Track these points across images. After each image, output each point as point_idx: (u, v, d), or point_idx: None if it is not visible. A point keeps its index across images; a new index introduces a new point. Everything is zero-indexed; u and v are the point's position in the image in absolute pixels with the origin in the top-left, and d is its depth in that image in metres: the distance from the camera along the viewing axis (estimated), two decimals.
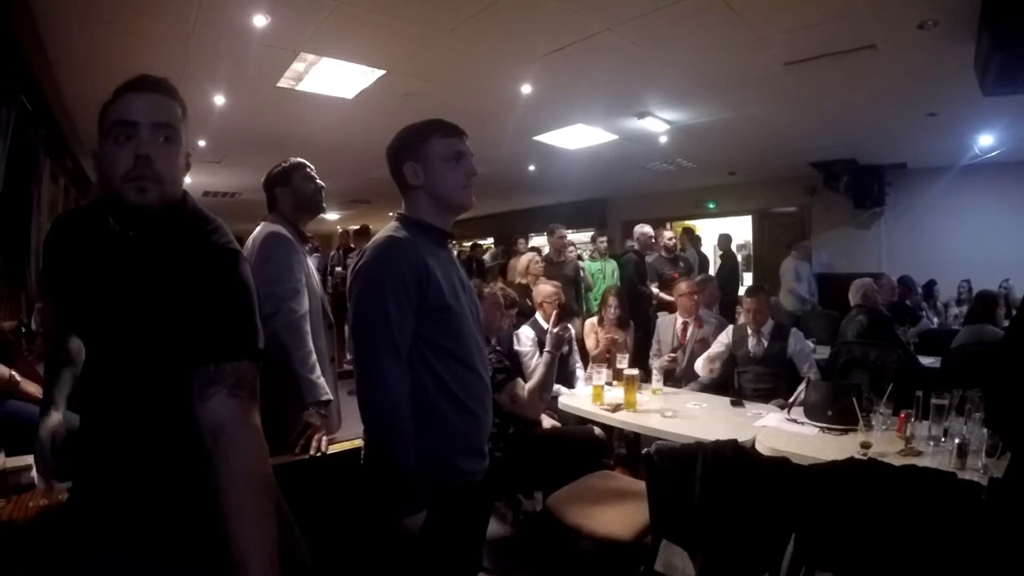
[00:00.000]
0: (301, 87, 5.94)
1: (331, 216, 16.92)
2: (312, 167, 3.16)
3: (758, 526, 2.43)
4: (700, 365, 4.89)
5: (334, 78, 5.75)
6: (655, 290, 7.47)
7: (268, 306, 2.67)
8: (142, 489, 1.46)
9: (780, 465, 2.47)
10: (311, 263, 3.15)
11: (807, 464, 2.43)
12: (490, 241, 16.92)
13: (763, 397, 4.37)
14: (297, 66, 5.45)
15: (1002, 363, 1.67)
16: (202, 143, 8.14)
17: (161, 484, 1.46)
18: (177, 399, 1.41)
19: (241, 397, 1.39)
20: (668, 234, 8.19)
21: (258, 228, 3.04)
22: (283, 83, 5.83)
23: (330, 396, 2.79)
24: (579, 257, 8.41)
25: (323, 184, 3.18)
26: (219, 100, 6.27)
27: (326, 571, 2.00)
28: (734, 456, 2.50)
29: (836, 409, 3.45)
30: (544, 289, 5.05)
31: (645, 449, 2.76)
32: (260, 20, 4.40)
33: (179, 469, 1.46)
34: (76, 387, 1.77)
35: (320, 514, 2.03)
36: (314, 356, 2.79)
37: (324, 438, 2.57)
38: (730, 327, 5.01)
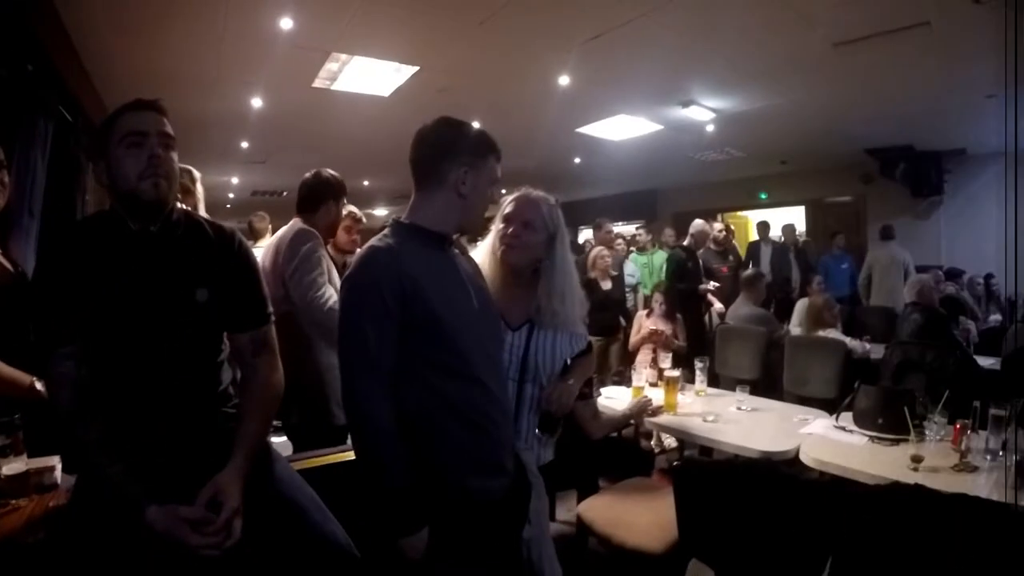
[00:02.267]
0: (336, 87, 5.93)
1: (380, 212, 17.00)
2: None
3: (790, 551, 2.27)
4: None
5: (368, 77, 5.72)
6: (708, 285, 7.26)
7: (297, 296, 2.91)
8: (194, 448, 1.75)
9: (816, 487, 2.32)
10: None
11: (850, 480, 2.28)
12: None
13: None
14: (330, 66, 5.43)
15: None
16: (245, 144, 8.27)
17: (207, 440, 1.77)
18: (212, 364, 1.84)
19: (274, 349, 1.95)
20: (718, 226, 7.97)
21: (288, 226, 3.15)
22: (318, 83, 5.83)
23: None
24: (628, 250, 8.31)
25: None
26: (256, 103, 6.34)
27: (366, 557, 1.96)
28: (767, 475, 2.34)
29: (887, 417, 3.25)
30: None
31: (675, 462, 2.62)
32: (287, 23, 4.41)
33: (217, 423, 1.83)
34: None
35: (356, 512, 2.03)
36: None
37: None
38: None
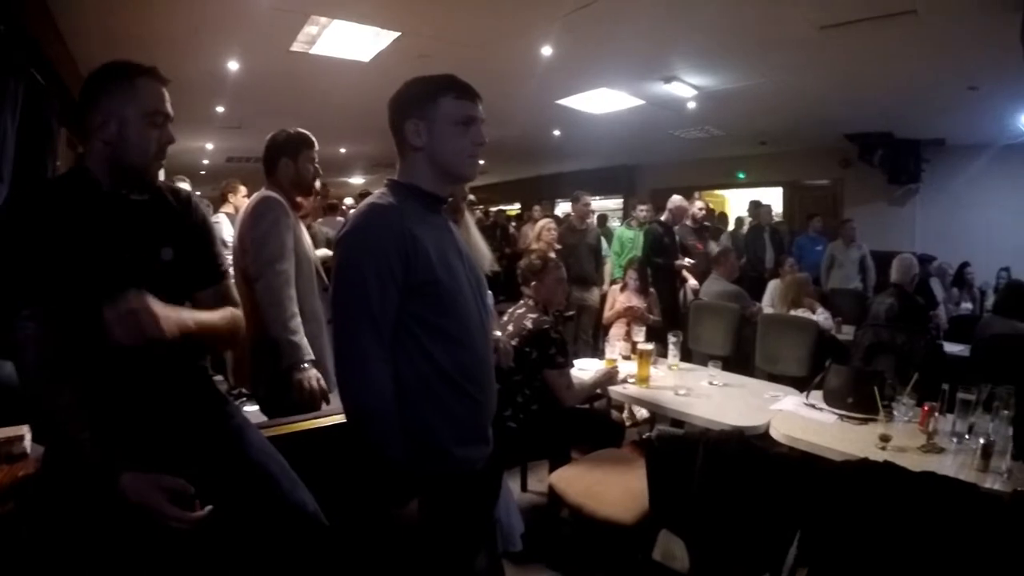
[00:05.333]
0: (315, 51, 5.86)
1: (357, 180, 16.87)
2: (316, 149, 3.17)
3: (758, 523, 2.29)
4: None
5: (348, 41, 5.65)
6: (683, 261, 7.27)
7: (253, 269, 2.83)
8: (164, 412, 1.73)
9: (786, 461, 2.34)
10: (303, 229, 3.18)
11: (819, 457, 2.30)
12: (517, 207, 16.81)
13: None
14: (309, 29, 5.35)
15: None
16: (220, 109, 8.19)
17: (177, 404, 1.77)
18: None
19: (237, 303, 1.96)
20: (699, 204, 7.96)
21: (255, 194, 3.09)
22: (296, 47, 5.75)
23: (312, 356, 2.81)
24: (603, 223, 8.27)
25: (321, 171, 3.22)
26: (233, 66, 6.24)
27: (337, 527, 1.98)
28: (737, 448, 2.35)
29: (857, 396, 3.29)
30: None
31: (646, 434, 2.63)
32: None
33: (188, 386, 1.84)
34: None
35: (325, 481, 2.08)
36: (297, 319, 2.81)
37: (320, 382, 2.79)
38: None
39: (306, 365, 2.77)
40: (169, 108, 1.75)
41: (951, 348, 5.15)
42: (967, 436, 2.87)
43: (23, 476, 1.97)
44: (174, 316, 1.59)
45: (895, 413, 3.13)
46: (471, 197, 4.35)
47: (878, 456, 2.46)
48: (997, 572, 1.75)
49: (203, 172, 13.56)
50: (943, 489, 1.94)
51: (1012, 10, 4.27)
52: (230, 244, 3.46)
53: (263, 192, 3.00)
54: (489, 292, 2.23)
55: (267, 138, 3.11)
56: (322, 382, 2.78)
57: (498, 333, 2.78)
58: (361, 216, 1.76)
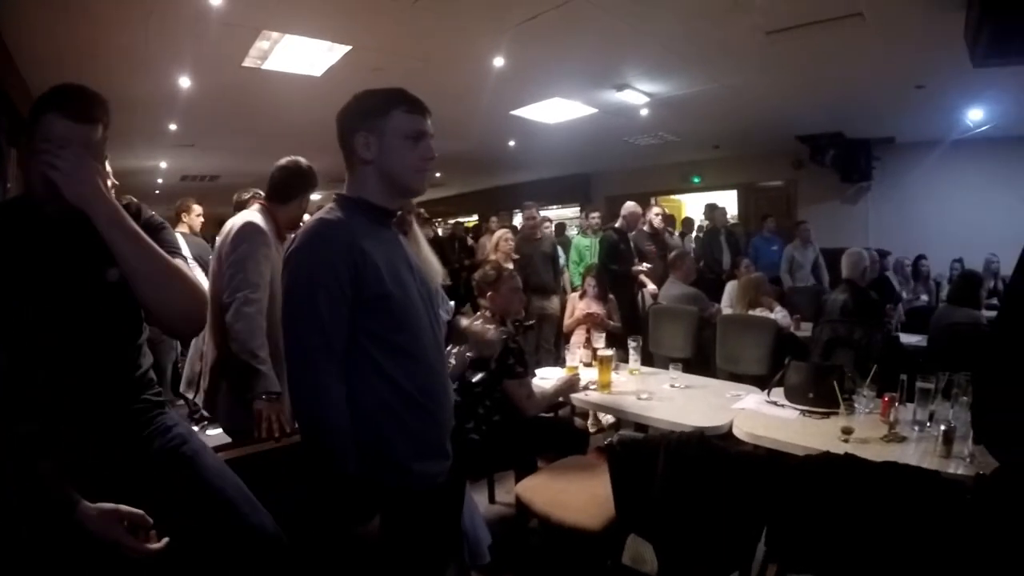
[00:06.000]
0: (267, 66, 5.79)
1: (314, 196, 16.70)
2: None
3: (724, 522, 2.30)
4: None
5: (300, 56, 5.61)
6: (640, 266, 7.29)
7: (226, 295, 2.76)
8: (114, 437, 1.69)
9: (748, 459, 2.34)
10: None
11: (784, 452, 2.31)
12: (474, 218, 16.80)
13: None
14: (261, 44, 5.30)
15: (988, 372, 1.47)
16: (173, 126, 8.04)
17: (127, 428, 1.74)
18: (131, 348, 1.79)
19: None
20: (656, 210, 7.99)
21: (245, 213, 3.01)
22: (248, 62, 5.69)
23: (278, 389, 2.71)
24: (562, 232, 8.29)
25: None
26: (185, 82, 6.14)
27: (296, 547, 1.93)
28: (699, 448, 2.35)
29: (818, 391, 3.32)
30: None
31: (608, 439, 2.63)
32: None
33: (138, 410, 1.79)
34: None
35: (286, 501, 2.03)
36: (266, 349, 2.74)
37: (281, 418, 2.65)
38: None
39: (269, 397, 2.69)
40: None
41: (908, 339, 5.25)
42: (928, 424, 2.91)
43: None
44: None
45: (856, 406, 3.15)
46: (421, 211, 4.35)
47: (841, 449, 2.48)
48: (963, 555, 1.76)
49: (157, 192, 13.34)
50: (905, 478, 1.96)
51: (956, 8, 4.36)
52: (190, 262, 3.40)
53: (250, 216, 2.92)
54: (451, 303, 2.23)
55: (286, 161, 3.04)
56: (283, 416, 2.68)
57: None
58: (309, 233, 1.76)
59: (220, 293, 2.80)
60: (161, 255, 1.65)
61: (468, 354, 3.53)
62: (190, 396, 5.20)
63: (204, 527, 1.76)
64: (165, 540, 1.52)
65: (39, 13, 4.45)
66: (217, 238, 3.13)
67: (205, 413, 5.37)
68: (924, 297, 7.99)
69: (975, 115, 7.88)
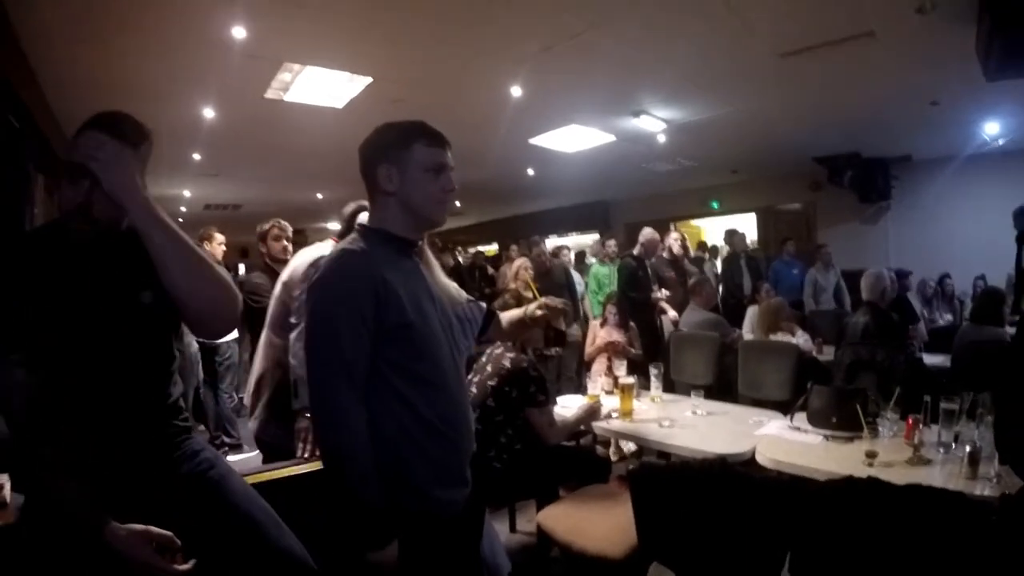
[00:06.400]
0: (289, 97, 5.87)
1: (334, 226, 16.84)
2: None
3: (748, 549, 2.28)
4: None
5: (321, 87, 5.67)
6: (660, 293, 7.28)
7: (296, 316, 3.02)
8: (143, 461, 1.70)
9: (771, 484, 2.32)
10: None
11: (807, 478, 2.29)
12: (495, 247, 16.85)
13: None
14: (283, 76, 5.38)
15: (1009, 389, 1.47)
16: (196, 156, 8.17)
17: (156, 453, 1.75)
18: (163, 373, 1.81)
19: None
20: (675, 235, 7.98)
21: (322, 245, 3.44)
22: (271, 94, 5.77)
23: None
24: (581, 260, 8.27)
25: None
26: (208, 113, 6.25)
27: (323, 570, 1.96)
28: (721, 475, 2.35)
29: (841, 415, 3.29)
30: None
31: (630, 467, 2.62)
32: (239, 31, 4.35)
33: (167, 435, 1.81)
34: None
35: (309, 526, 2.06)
36: None
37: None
38: None
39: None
40: None
41: (932, 360, 5.19)
42: (953, 445, 2.87)
43: (2, 526, 1.94)
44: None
45: (880, 429, 3.14)
46: (436, 240, 4.42)
47: (865, 473, 2.45)
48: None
49: (181, 220, 13.46)
50: (929, 500, 1.94)
51: (966, 23, 4.36)
52: None
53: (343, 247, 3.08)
54: (483, 304, 2.28)
55: (355, 205, 3.11)
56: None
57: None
58: (332, 263, 1.78)
59: (282, 316, 3.09)
60: (193, 246, 1.70)
61: (490, 383, 3.54)
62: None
63: (233, 550, 1.79)
64: (192, 562, 1.54)
65: (69, 47, 4.56)
66: (288, 267, 3.52)
67: (226, 439, 5.46)
68: (948, 316, 7.92)
69: (991, 129, 7.83)
